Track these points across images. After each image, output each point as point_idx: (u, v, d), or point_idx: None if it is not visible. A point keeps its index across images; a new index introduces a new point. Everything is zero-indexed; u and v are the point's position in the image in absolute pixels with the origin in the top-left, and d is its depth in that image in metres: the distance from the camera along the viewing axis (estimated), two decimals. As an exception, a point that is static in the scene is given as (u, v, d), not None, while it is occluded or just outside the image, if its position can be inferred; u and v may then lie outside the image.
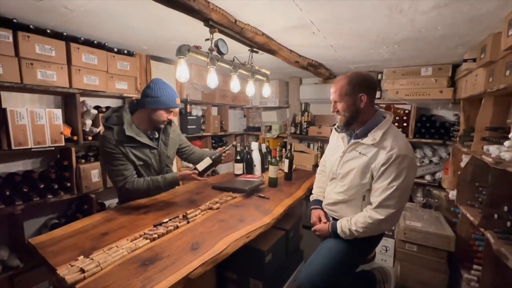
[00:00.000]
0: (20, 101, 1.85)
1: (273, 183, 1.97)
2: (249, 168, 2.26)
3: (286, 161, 2.14)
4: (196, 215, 1.38)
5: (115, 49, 2.13)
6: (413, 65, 2.61)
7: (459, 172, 1.97)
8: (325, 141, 3.03)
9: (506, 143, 1.30)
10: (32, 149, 1.72)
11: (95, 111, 2.08)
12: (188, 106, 2.98)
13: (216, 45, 1.63)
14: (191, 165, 1.74)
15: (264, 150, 2.39)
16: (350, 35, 1.79)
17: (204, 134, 3.27)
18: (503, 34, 1.34)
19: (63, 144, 1.87)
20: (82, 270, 0.88)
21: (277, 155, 2.65)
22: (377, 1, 1.29)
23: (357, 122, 1.28)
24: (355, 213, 1.28)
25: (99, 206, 2.18)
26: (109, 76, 2.10)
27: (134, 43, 2.13)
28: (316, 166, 2.52)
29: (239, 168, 2.19)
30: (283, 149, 2.87)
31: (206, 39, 1.57)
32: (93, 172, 2.07)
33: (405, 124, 2.78)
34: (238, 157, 2.20)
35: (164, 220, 1.29)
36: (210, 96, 3.24)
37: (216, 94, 3.28)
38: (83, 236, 1.16)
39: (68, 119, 2.02)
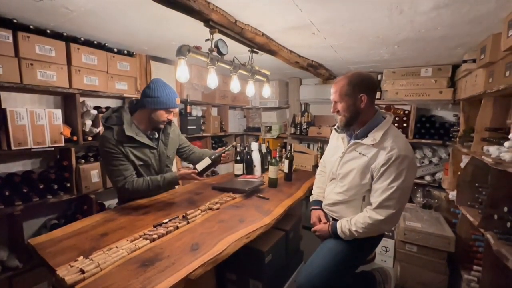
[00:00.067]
0: (20, 101, 1.85)
1: (273, 183, 1.97)
2: (249, 169, 2.26)
3: (286, 162, 2.14)
4: (196, 216, 1.38)
5: (115, 50, 2.13)
6: (413, 65, 2.62)
7: (459, 173, 1.97)
8: (325, 141, 3.03)
9: (506, 143, 1.30)
10: (32, 150, 1.72)
11: (95, 112, 2.08)
12: (188, 107, 2.98)
13: (216, 46, 1.63)
14: (191, 165, 1.74)
15: (264, 150, 2.39)
16: (350, 36, 1.80)
17: (204, 134, 3.27)
18: (503, 34, 1.34)
19: (63, 144, 1.87)
20: (82, 271, 0.88)
21: (277, 155, 2.65)
22: (377, 2, 1.29)
23: (357, 123, 1.28)
24: (355, 214, 1.28)
25: (98, 206, 2.18)
26: (109, 76, 2.10)
27: (134, 43, 2.13)
28: (316, 166, 2.52)
29: (239, 168, 2.19)
30: (283, 150, 2.87)
31: (206, 40, 1.57)
32: (93, 173, 2.07)
33: (405, 125, 2.78)
34: (238, 158, 2.20)
35: (164, 221, 1.29)
36: (210, 97, 3.24)
37: (216, 94, 3.28)
38: (82, 237, 1.16)
39: (68, 120, 2.02)
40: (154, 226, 1.25)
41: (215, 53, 1.64)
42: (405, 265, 2.12)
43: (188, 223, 1.31)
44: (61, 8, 1.45)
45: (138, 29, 1.77)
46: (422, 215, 2.33)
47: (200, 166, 1.61)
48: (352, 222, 1.25)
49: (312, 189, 1.66)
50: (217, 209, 1.50)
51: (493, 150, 1.40)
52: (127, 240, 1.11)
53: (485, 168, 1.53)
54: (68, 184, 1.94)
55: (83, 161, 2.06)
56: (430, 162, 2.71)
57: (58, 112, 1.84)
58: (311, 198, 1.59)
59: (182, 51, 1.48)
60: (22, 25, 1.63)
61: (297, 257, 1.96)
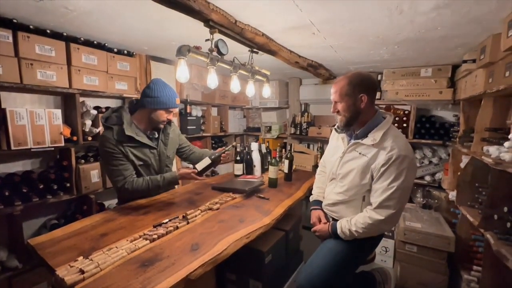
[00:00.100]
0: (20, 101, 1.84)
1: (273, 183, 1.97)
2: (249, 169, 2.26)
3: (286, 162, 2.14)
4: (196, 216, 1.38)
5: (115, 50, 2.13)
6: (413, 66, 2.62)
7: (459, 173, 1.97)
8: (325, 141, 3.03)
9: (506, 144, 1.30)
10: (32, 150, 1.72)
11: (94, 112, 2.08)
12: (188, 107, 2.97)
13: (216, 46, 1.63)
14: (191, 165, 1.74)
15: (264, 150, 2.39)
16: (350, 36, 1.80)
17: (204, 134, 3.27)
18: (503, 35, 1.35)
19: (62, 144, 1.86)
20: (82, 271, 0.88)
21: (277, 155, 2.65)
22: (377, 2, 1.29)
23: (357, 123, 1.28)
24: (355, 214, 1.28)
25: (98, 206, 2.18)
26: (109, 76, 2.10)
27: (134, 43, 2.13)
28: (316, 166, 2.52)
29: (239, 168, 2.19)
30: (283, 150, 2.87)
31: (206, 40, 1.57)
32: (93, 173, 2.07)
33: (404, 125, 2.78)
34: (238, 158, 2.20)
35: (164, 221, 1.29)
36: (210, 97, 3.24)
37: (216, 94, 3.28)
38: (82, 237, 1.16)
39: (68, 120, 2.02)
40: (154, 226, 1.25)
41: (215, 53, 1.64)
42: (405, 265, 2.12)
43: (188, 223, 1.31)
44: (61, 8, 1.44)
45: (138, 29, 1.77)
46: (422, 215, 2.33)
47: (200, 166, 1.61)
48: (352, 222, 1.25)
49: (312, 189, 1.65)
50: (217, 209, 1.50)
51: (493, 150, 1.40)
52: (127, 240, 1.11)
53: (485, 168, 1.53)
54: (68, 184, 1.94)
55: (83, 161, 2.06)
56: (430, 162, 2.71)
57: (58, 112, 1.84)
58: (311, 198, 1.59)
59: (182, 51, 1.48)
60: (22, 25, 1.63)
61: (297, 257, 1.96)
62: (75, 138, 1.94)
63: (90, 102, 2.07)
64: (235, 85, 1.97)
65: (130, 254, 1.02)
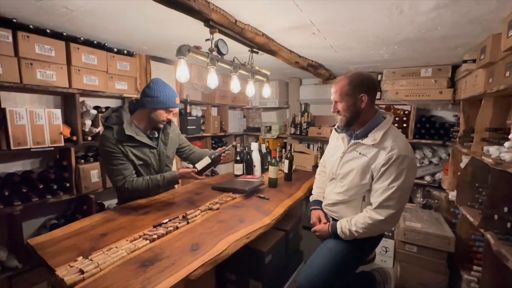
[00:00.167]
0: (20, 101, 1.84)
1: (273, 183, 1.97)
2: (249, 169, 2.25)
3: (286, 162, 2.14)
4: (196, 216, 1.38)
5: (115, 49, 2.13)
6: (413, 66, 2.62)
7: (459, 173, 1.97)
8: (325, 141, 3.03)
9: (506, 144, 1.30)
10: (31, 149, 1.71)
11: (94, 111, 2.08)
12: (188, 107, 2.97)
13: (216, 46, 1.63)
14: (190, 165, 1.74)
15: (264, 150, 2.39)
16: (350, 36, 1.80)
17: (204, 134, 3.26)
18: (503, 35, 1.35)
19: (62, 144, 1.86)
20: (81, 271, 0.88)
21: (277, 155, 2.64)
22: (378, 2, 1.29)
23: (357, 123, 1.28)
24: (355, 214, 1.28)
25: (98, 206, 2.18)
26: (108, 76, 2.10)
27: (134, 43, 2.13)
28: (316, 166, 2.52)
29: (239, 168, 2.19)
30: (283, 150, 2.87)
31: (206, 40, 1.56)
32: (93, 173, 2.07)
33: (404, 125, 2.78)
34: (238, 158, 2.20)
35: (164, 221, 1.29)
36: (210, 97, 3.24)
37: (216, 94, 3.28)
38: (82, 237, 1.15)
39: (68, 119, 2.02)
40: (154, 226, 1.24)
41: (215, 53, 1.64)
42: (405, 265, 2.12)
43: (188, 223, 1.30)
44: (61, 8, 1.44)
45: (138, 29, 1.77)
46: (422, 215, 2.33)
47: (200, 165, 1.61)
48: (352, 222, 1.25)
49: (312, 189, 1.65)
50: (217, 209, 1.50)
51: (493, 150, 1.40)
52: (127, 240, 1.11)
53: (485, 168, 1.53)
54: (68, 184, 1.94)
55: (82, 161, 2.05)
56: (430, 162, 2.71)
57: (58, 112, 1.84)
58: (311, 198, 1.59)
59: (182, 51, 1.48)
60: (21, 24, 1.63)
61: (297, 257, 1.96)
62: (75, 138, 1.94)
63: (90, 102, 2.06)
64: (235, 85, 1.97)
65: (130, 254, 1.02)
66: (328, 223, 1.37)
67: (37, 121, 1.73)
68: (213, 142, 3.57)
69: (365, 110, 1.25)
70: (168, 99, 1.56)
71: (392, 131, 1.24)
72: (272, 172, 1.95)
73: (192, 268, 0.95)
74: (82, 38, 1.92)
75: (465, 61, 2.00)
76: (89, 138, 2.07)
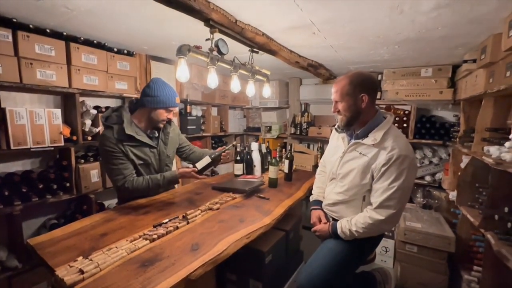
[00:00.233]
0: (20, 101, 1.84)
1: (273, 183, 1.97)
2: (249, 169, 2.25)
3: (286, 162, 2.13)
4: (196, 216, 1.38)
5: (115, 49, 2.13)
6: (413, 65, 2.61)
7: (459, 173, 1.97)
8: (325, 141, 3.03)
9: (507, 144, 1.30)
10: (31, 149, 1.71)
11: (94, 111, 2.08)
12: (188, 106, 2.97)
13: (217, 45, 1.63)
14: (191, 165, 1.74)
15: (264, 150, 2.38)
16: (351, 36, 1.79)
17: (204, 134, 3.26)
18: (504, 35, 1.34)
19: (62, 144, 1.86)
20: (81, 271, 0.88)
21: (277, 155, 2.64)
22: (378, 2, 1.29)
23: (358, 123, 1.28)
24: (355, 214, 1.28)
25: (98, 206, 2.18)
26: (108, 76, 2.10)
27: (134, 43, 2.12)
28: (316, 166, 2.52)
29: (239, 168, 2.19)
30: (283, 150, 2.87)
31: (207, 39, 1.56)
32: (93, 172, 2.06)
33: (405, 125, 2.78)
34: (238, 158, 2.20)
35: (164, 221, 1.29)
36: (210, 97, 3.23)
37: (216, 94, 3.28)
38: (82, 237, 1.15)
39: (68, 119, 2.01)
40: (154, 226, 1.24)
41: (215, 52, 1.64)
42: (405, 265, 2.12)
43: (188, 223, 1.30)
44: (61, 8, 1.44)
45: (138, 29, 1.77)
46: (422, 215, 2.32)
47: (200, 165, 1.61)
48: (352, 222, 1.24)
49: (312, 189, 1.65)
50: (217, 209, 1.50)
51: (493, 150, 1.40)
52: (127, 240, 1.11)
53: (485, 168, 1.53)
54: (68, 184, 1.94)
55: (82, 161, 2.05)
56: (430, 162, 2.70)
57: (58, 112, 1.84)
58: (311, 198, 1.59)
59: (182, 50, 1.47)
60: (21, 24, 1.62)
61: (297, 257, 1.96)
62: (74, 137, 1.94)
63: (90, 102, 2.06)
64: (235, 85, 1.97)
65: (130, 254, 1.02)
66: (328, 223, 1.37)
67: (37, 121, 1.72)
68: (213, 142, 3.57)
69: (365, 110, 1.25)
70: (168, 99, 1.56)
71: (392, 131, 1.24)
72: (272, 172, 1.95)
73: (192, 268, 0.94)
74: (82, 38, 1.91)
75: (465, 61, 2.00)
76: (89, 138, 2.07)
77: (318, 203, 1.51)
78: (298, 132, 3.52)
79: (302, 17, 1.48)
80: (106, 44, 2.06)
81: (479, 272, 1.68)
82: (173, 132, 1.77)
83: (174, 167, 2.02)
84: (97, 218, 1.35)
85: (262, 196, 1.74)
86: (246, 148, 2.32)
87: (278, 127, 3.65)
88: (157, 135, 1.66)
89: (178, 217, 1.35)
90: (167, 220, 1.30)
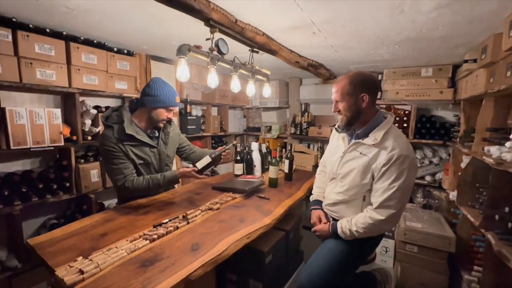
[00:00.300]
0: (19, 101, 1.84)
1: (273, 183, 1.97)
2: (249, 169, 2.25)
3: (286, 162, 2.13)
4: (196, 216, 1.37)
5: (115, 49, 2.13)
6: (413, 65, 2.61)
7: (459, 173, 1.97)
8: (325, 141, 3.03)
9: (507, 144, 1.30)
10: (31, 149, 1.71)
11: (94, 111, 2.08)
12: (188, 106, 2.97)
13: (217, 45, 1.63)
14: (191, 165, 1.74)
15: (264, 150, 2.38)
16: (351, 36, 1.79)
17: (204, 134, 3.26)
18: (504, 34, 1.34)
19: (62, 144, 1.86)
20: (81, 271, 0.88)
21: (277, 155, 2.64)
22: (379, 2, 1.28)
23: (358, 122, 1.28)
24: (355, 214, 1.28)
25: (98, 206, 2.17)
26: (108, 75, 2.10)
27: (134, 42, 2.12)
28: (316, 166, 2.51)
29: (239, 168, 2.19)
30: (283, 150, 2.87)
31: (207, 39, 1.56)
32: (93, 172, 2.06)
33: (405, 125, 2.78)
34: (238, 158, 2.19)
35: (164, 221, 1.29)
36: (210, 96, 3.23)
37: (216, 94, 3.27)
38: (82, 237, 1.15)
39: (68, 119, 2.01)
40: (154, 226, 1.24)
41: (215, 52, 1.64)
42: (405, 265, 2.11)
43: (188, 223, 1.30)
44: (61, 7, 1.44)
45: (138, 29, 1.77)
46: (422, 215, 2.32)
47: (200, 164, 1.61)
48: (352, 222, 1.24)
49: (312, 189, 1.65)
50: (217, 209, 1.50)
51: (494, 150, 1.40)
52: (127, 240, 1.11)
53: (485, 168, 1.53)
54: (68, 184, 1.94)
55: (82, 160, 2.05)
56: (431, 162, 2.70)
57: (58, 112, 1.83)
58: (311, 198, 1.58)
59: (183, 50, 1.47)
60: (21, 24, 1.62)
61: (297, 257, 1.95)
62: (74, 137, 1.94)
63: (90, 102, 2.06)
64: (235, 85, 1.97)
65: (130, 254, 1.02)
66: (328, 223, 1.37)
67: (37, 121, 1.72)
68: (213, 142, 3.56)
69: (366, 110, 1.25)
70: (168, 98, 1.56)
71: (393, 131, 1.24)
72: (272, 172, 1.95)
73: (192, 268, 0.94)
74: (82, 38, 1.91)
75: (466, 61, 2.00)
76: (89, 138, 2.07)
77: (318, 203, 1.51)
78: (298, 132, 3.52)
79: (302, 17, 1.48)
80: (106, 43, 2.05)
81: (479, 272, 1.67)
82: (173, 132, 1.77)
83: (174, 167, 2.02)
84: (97, 218, 1.35)
85: (262, 196, 1.74)
86: (246, 148, 2.32)
87: (278, 127, 3.65)
88: (157, 134, 1.66)
89: (178, 217, 1.35)
90: (167, 220, 1.30)
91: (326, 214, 1.45)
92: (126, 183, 1.46)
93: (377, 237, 1.35)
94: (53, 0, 1.35)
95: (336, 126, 1.41)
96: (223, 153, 1.70)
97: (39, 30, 1.69)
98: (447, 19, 1.46)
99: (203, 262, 0.98)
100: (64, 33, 1.81)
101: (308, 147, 3.53)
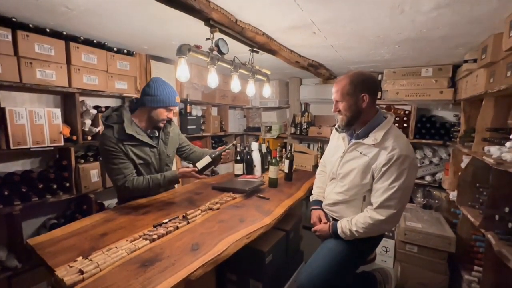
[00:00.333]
0: (19, 101, 1.84)
1: (273, 183, 1.97)
2: (249, 169, 2.25)
3: (286, 162, 2.13)
4: (196, 216, 1.37)
5: (115, 49, 2.13)
6: (413, 65, 2.61)
7: (459, 173, 1.97)
8: (325, 141, 3.03)
9: (507, 144, 1.30)
10: (31, 149, 1.71)
11: (94, 111, 2.08)
12: (188, 106, 2.97)
13: (217, 45, 1.63)
14: (191, 165, 1.74)
15: (264, 150, 2.38)
16: (351, 36, 1.79)
17: (204, 134, 3.26)
18: (505, 34, 1.34)
19: (62, 144, 1.86)
20: (81, 271, 0.88)
21: (277, 155, 2.64)
22: (379, 2, 1.28)
23: (358, 122, 1.28)
24: (355, 214, 1.28)
25: (98, 206, 2.17)
26: (108, 75, 2.10)
27: (134, 42, 2.12)
28: (316, 166, 2.51)
29: (239, 168, 2.19)
30: (283, 150, 2.87)
31: (207, 39, 1.56)
32: (92, 172, 2.06)
33: (405, 125, 2.78)
34: (238, 158, 2.19)
35: (164, 221, 1.29)
36: (210, 96, 3.23)
37: (216, 94, 3.27)
38: (82, 237, 1.15)
39: (68, 119, 2.01)
40: (154, 226, 1.24)
41: (215, 52, 1.64)
42: (405, 265, 2.11)
43: (188, 223, 1.30)
44: (60, 7, 1.44)
45: (138, 28, 1.76)
46: (422, 215, 2.32)
47: (200, 164, 1.60)
48: (352, 222, 1.24)
49: (312, 189, 1.65)
50: (217, 209, 1.50)
51: (494, 150, 1.40)
52: (127, 240, 1.10)
53: (486, 168, 1.53)
54: (68, 184, 1.94)
55: (82, 160, 2.05)
56: (431, 162, 2.70)
57: (58, 112, 1.83)
58: (311, 198, 1.58)
59: (183, 50, 1.47)
60: (21, 23, 1.62)
61: (297, 257, 1.95)
62: (74, 137, 1.93)
63: (90, 102, 2.06)
64: (235, 85, 1.97)
65: (130, 254, 1.02)
66: (328, 223, 1.37)
67: (37, 121, 1.72)
68: (213, 142, 3.56)
69: (366, 110, 1.25)
70: (168, 98, 1.56)
71: (393, 131, 1.24)
72: (272, 172, 1.95)
73: (192, 269, 0.94)
74: (82, 38, 1.91)
75: (466, 61, 2.00)
76: (89, 138, 2.06)
77: (318, 203, 1.51)
78: (298, 132, 3.52)
79: (302, 16, 1.48)
80: (106, 43, 2.05)
81: (479, 272, 1.67)
82: (173, 132, 1.77)
83: (174, 167, 2.02)
84: (97, 218, 1.35)
85: (262, 196, 1.74)
86: (246, 148, 2.32)
87: (278, 127, 3.65)
88: (157, 134, 1.66)
89: (178, 217, 1.35)
90: (167, 220, 1.30)
91: (326, 214, 1.45)
92: (126, 183, 1.46)
93: (377, 237, 1.35)
94: (53, 0, 1.35)
95: (336, 126, 1.41)
96: (223, 153, 1.69)
97: (39, 30, 1.69)
98: (447, 19, 1.46)
99: (203, 262, 0.98)
100: (64, 33, 1.81)
101: (308, 147, 3.53)
